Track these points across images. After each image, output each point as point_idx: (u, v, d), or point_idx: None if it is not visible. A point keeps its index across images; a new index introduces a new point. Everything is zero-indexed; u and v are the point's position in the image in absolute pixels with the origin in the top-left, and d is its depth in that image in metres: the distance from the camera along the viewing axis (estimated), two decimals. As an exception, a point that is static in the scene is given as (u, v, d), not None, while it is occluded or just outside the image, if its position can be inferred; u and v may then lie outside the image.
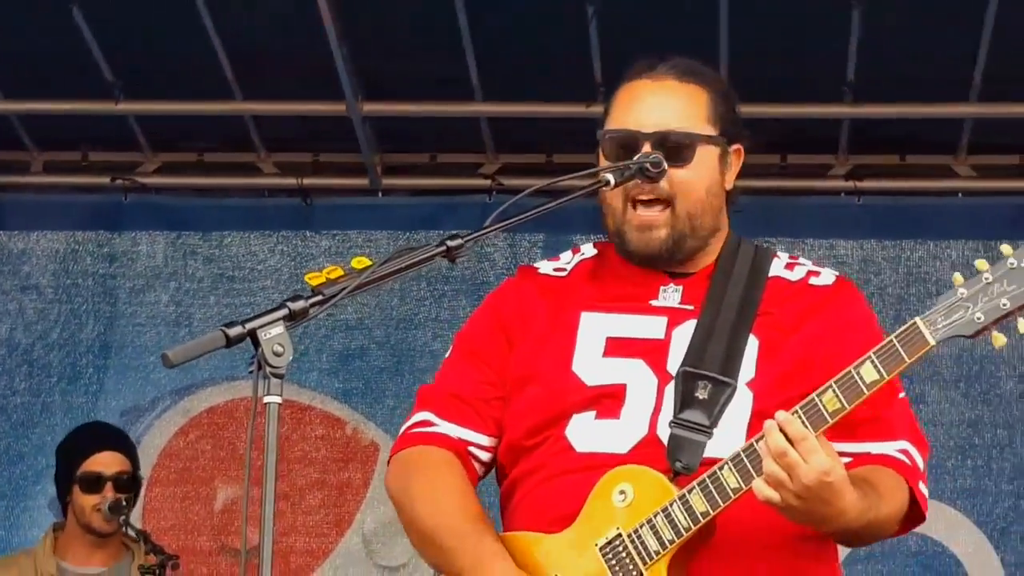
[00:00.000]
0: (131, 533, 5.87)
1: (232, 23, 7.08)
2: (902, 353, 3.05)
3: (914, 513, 3.29)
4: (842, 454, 3.12)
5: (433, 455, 3.42)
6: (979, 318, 3.07)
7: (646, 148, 3.37)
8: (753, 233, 7.19)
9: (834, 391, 3.07)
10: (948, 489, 7.23)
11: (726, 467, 3.12)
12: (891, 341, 3.08)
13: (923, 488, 3.28)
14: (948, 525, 7.26)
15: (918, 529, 7.18)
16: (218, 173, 7.95)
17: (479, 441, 3.44)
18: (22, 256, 7.83)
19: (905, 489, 3.24)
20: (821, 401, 3.06)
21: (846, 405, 3.06)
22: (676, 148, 3.40)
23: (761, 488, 3.01)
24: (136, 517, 6.62)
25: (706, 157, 3.45)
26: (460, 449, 3.43)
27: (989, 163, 7.75)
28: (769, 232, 7.41)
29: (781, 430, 2.98)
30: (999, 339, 3.09)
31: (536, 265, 3.61)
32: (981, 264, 3.09)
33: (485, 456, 3.45)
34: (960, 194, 7.75)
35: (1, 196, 7.93)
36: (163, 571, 5.31)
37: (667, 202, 3.37)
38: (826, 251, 7.57)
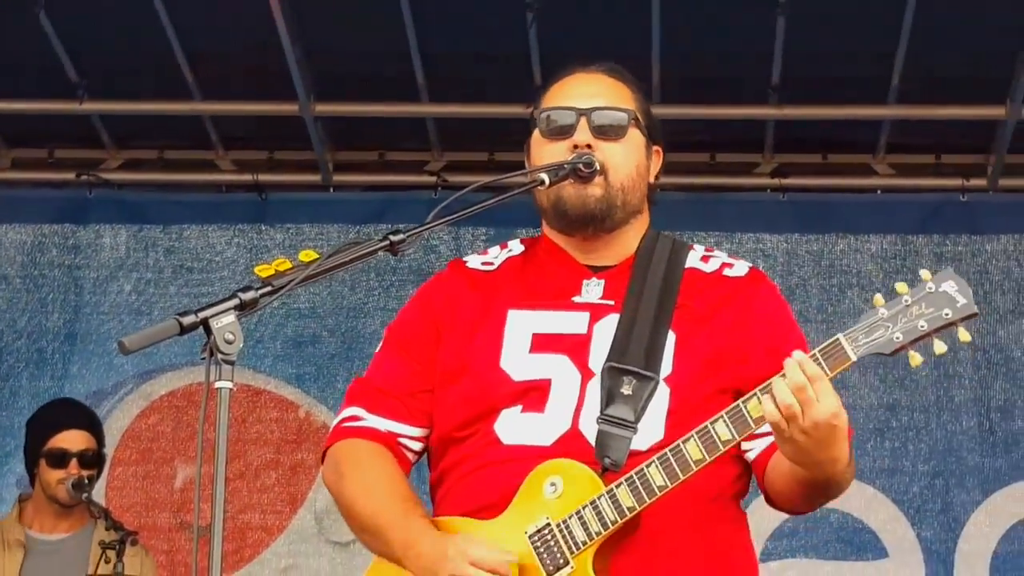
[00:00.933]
0: (93, 509, 5.80)
1: (191, 27, 7.03)
2: (824, 366, 3.05)
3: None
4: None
5: (363, 448, 3.41)
6: (898, 338, 3.11)
7: (583, 127, 3.37)
8: (684, 227, 7.33)
9: (820, 354, 3.09)
10: (867, 469, 7.23)
11: (653, 465, 3.13)
12: (815, 354, 3.08)
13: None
14: (867, 502, 7.28)
15: (839, 506, 7.27)
16: (178, 169, 7.91)
17: (408, 433, 3.44)
18: (-7, 248, 7.77)
19: (846, 439, 3.22)
20: (817, 359, 3.08)
21: (828, 369, 3.08)
22: (609, 125, 3.41)
23: (772, 412, 3.00)
24: (99, 495, 6.64)
25: (635, 138, 3.46)
26: (390, 442, 3.42)
27: (906, 162, 7.76)
28: (699, 226, 7.44)
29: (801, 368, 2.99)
30: (915, 359, 3.14)
31: (465, 259, 3.60)
32: (901, 287, 3.14)
33: (416, 446, 3.45)
34: (879, 191, 7.78)
35: (-30, 192, 7.83)
36: (122, 547, 5.25)
37: (602, 171, 3.35)
38: (753, 245, 7.58)
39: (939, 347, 3.10)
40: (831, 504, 7.53)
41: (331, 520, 7.33)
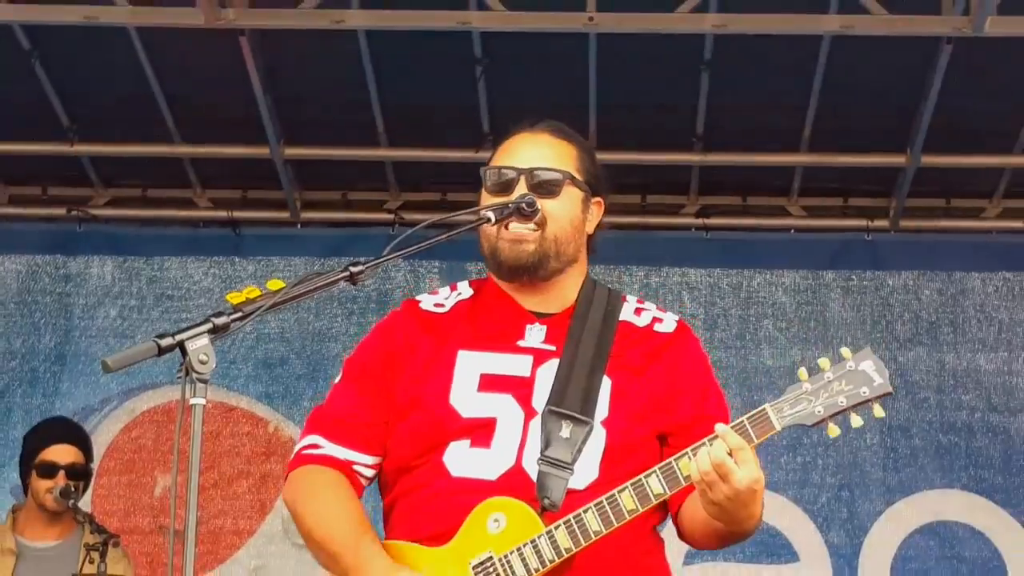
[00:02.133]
0: (79, 517, 5.77)
1: (172, 78, 7.04)
2: (751, 434, 3.07)
3: None
4: None
5: (320, 475, 3.38)
6: (819, 411, 3.11)
7: (522, 184, 3.36)
8: (618, 261, 7.36)
9: (747, 422, 3.11)
10: (781, 481, 7.25)
11: (590, 511, 3.13)
12: (743, 422, 3.09)
13: None
14: (780, 511, 7.27)
15: (777, 531, 7.27)
16: (159, 206, 7.86)
17: (363, 460, 3.40)
18: (-11, 276, 7.73)
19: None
20: (743, 427, 3.10)
21: (755, 438, 3.10)
22: (545, 183, 3.38)
23: (696, 477, 3.03)
24: (86, 502, 6.57)
25: (571, 195, 3.42)
26: (345, 468, 3.38)
27: (816, 204, 7.77)
28: (632, 262, 7.49)
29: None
30: (834, 430, 3.14)
31: (419, 299, 3.56)
32: (823, 363, 3.14)
33: (369, 472, 3.41)
34: (792, 230, 7.76)
35: (-39, 222, 7.81)
36: (105, 548, 5.22)
37: (538, 225, 3.33)
38: (679, 278, 7.60)
39: (856, 421, 3.13)
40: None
41: (289, 512, 7.39)
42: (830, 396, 3.12)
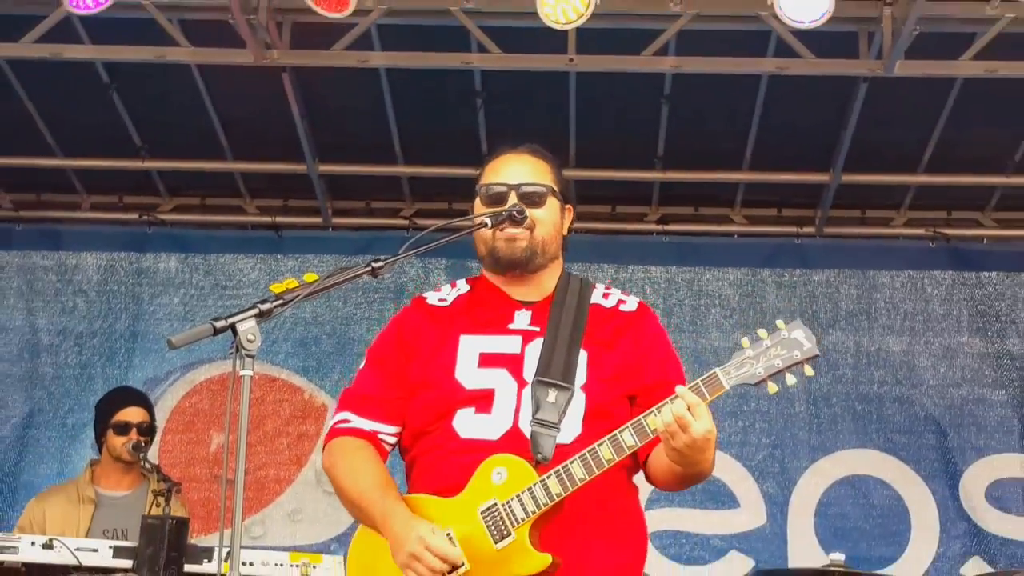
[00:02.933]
0: (147, 466, 5.75)
1: (226, 106, 7.04)
2: (705, 392, 3.12)
3: None
4: None
5: (351, 444, 3.40)
6: (760, 372, 3.16)
7: (512, 196, 3.40)
8: (591, 260, 7.36)
9: (702, 383, 3.15)
10: (724, 441, 7.23)
11: (575, 462, 3.16)
12: (698, 384, 3.14)
13: None
14: (724, 466, 7.26)
15: (721, 481, 7.25)
16: (215, 212, 7.86)
17: (386, 430, 3.42)
18: (75, 270, 7.72)
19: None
20: (698, 388, 3.15)
21: (708, 396, 3.15)
22: (532, 194, 3.42)
23: (662, 429, 3.09)
24: (154, 455, 6.57)
25: (552, 204, 3.46)
26: (371, 438, 3.40)
27: (755, 214, 7.74)
28: (603, 260, 7.50)
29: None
30: (773, 388, 3.19)
31: (425, 296, 3.58)
32: (762, 333, 3.18)
33: (391, 440, 3.43)
34: (736, 235, 7.74)
35: (61, 227, 7.78)
36: (169, 494, 5.18)
37: (528, 228, 3.38)
38: (642, 275, 7.58)
39: (790, 379, 3.18)
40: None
41: (327, 476, 7.37)
42: (768, 359, 3.16)
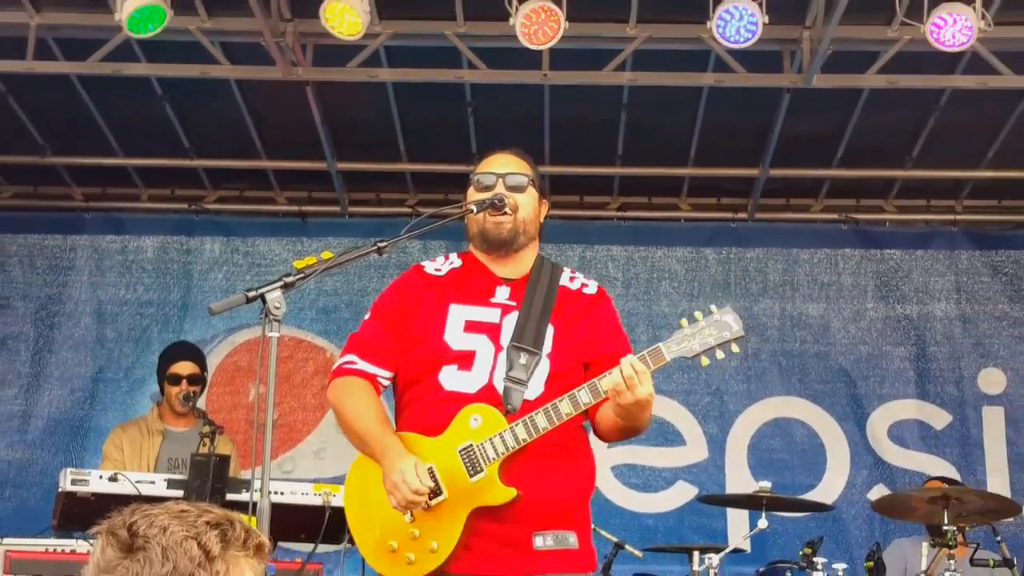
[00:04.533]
0: (196, 412, 5.76)
1: (259, 113, 7.01)
2: (649, 362, 3.19)
3: None
4: None
5: (355, 383, 3.42)
6: (695, 348, 3.22)
7: (500, 184, 3.44)
8: (563, 241, 7.43)
9: (648, 355, 3.21)
10: (674, 389, 7.31)
11: (540, 414, 3.21)
12: (644, 355, 3.18)
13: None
14: (673, 411, 7.31)
15: (657, 413, 7.25)
16: (252, 202, 7.83)
17: (383, 374, 3.44)
18: (135, 251, 7.69)
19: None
20: (644, 358, 3.19)
21: (652, 365, 3.21)
22: (517, 184, 3.46)
23: (612, 389, 3.15)
24: (203, 403, 6.59)
25: (532, 193, 3.50)
26: (371, 379, 3.42)
27: (699, 202, 7.75)
28: (573, 241, 7.55)
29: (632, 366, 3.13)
30: (705, 361, 3.24)
31: (423, 264, 3.58)
32: (699, 315, 3.23)
33: (386, 382, 3.45)
34: (682, 220, 7.74)
35: (123, 215, 7.75)
36: (214, 436, 5.19)
37: (512, 211, 3.41)
38: (605, 253, 7.61)
39: (719, 355, 3.23)
40: (654, 410, 7.62)
41: (333, 408, 7.45)
42: (703, 338, 3.21)
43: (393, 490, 3.18)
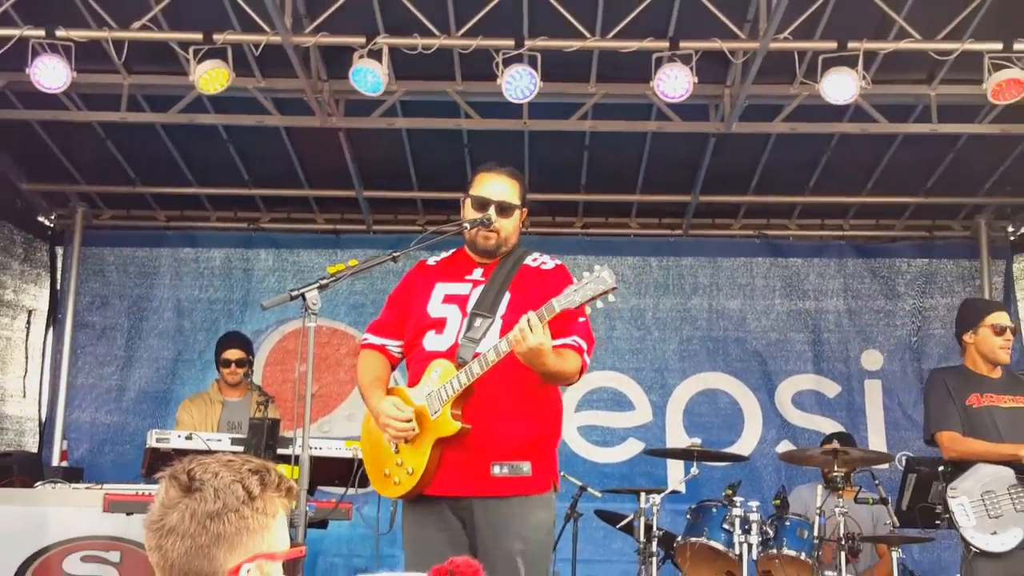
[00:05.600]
0: (252, 385, 5.74)
1: (303, 151, 6.97)
2: (543, 314, 3.04)
3: (582, 367, 3.27)
4: (555, 344, 3.14)
5: (368, 354, 3.45)
6: (578, 299, 3.03)
7: (492, 208, 3.37)
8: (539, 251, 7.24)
9: (543, 309, 3.05)
10: (627, 367, 7.32)
11: (475, 361, 3.15)
12: (541, 310, 3.04)
13: (586, 357, 3.26)
14: (626, 383, 7.32)
15: (613, 385, 7.25)
16: (297, 222, 7.76)
17: (391, 343, 3.44)
18: (206, 260, 7.64)
19: (577, 356, 3.23)
20: (540, 312, 3.04)
21: (546, 316, 3.05)
22: (506, 209, 3.40)
23: (511, 341, 3.04)
24: (258, 378, 6.65)
25: (515, 215, 3.44)
26: (382, 349, 3.43)
27: (645, 221, 7.72)
28: (544, 251, 7.36)
29: (529, 322, 3.03)
30: (587, 309, 3.10)
31: (427, 259, 3.59)
32: (585, 275, 3.07)
33: (396, 349, 3.43)
34: (632, 236, 7.72)
35: (196, 232, 7.70)
36: (266, 404, 5.18)
37: (497, 232, 3.38)
38: (571, 261, 7.16)
39: (599, 304, 3.04)
40: (608, 383, 7.61)
41: None
42: (584, 292, 3.02)
43: (385, 426, 3.20)
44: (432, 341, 3.28)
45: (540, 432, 3.28)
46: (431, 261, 3.56)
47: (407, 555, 3.28)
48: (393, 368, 3.47)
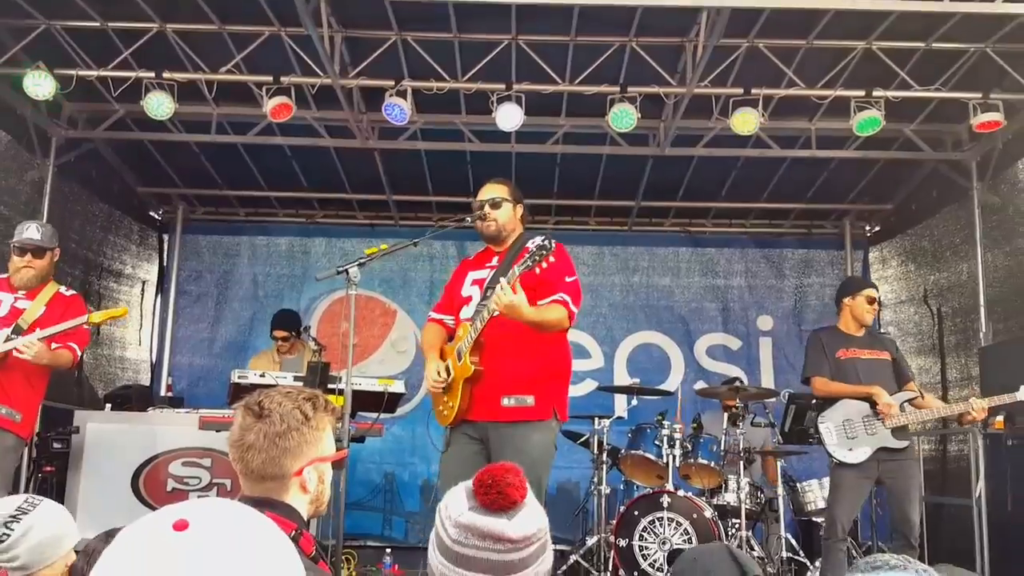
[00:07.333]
0: (309, 338, 5.68)
1: (348, 166, 6.85)
2: (513, 280, 2.91)
3: (569, 315, 3.20)
4: (545, 301, 3.10)
5: (429, 325, 3.44)
6: (530, 263, 2.89)
7: (485, 206, 3.34)
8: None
9: (508, 275, 2.96)
10: (588, 327, 7.29)
11: (477, 319, 3.08)
12: (510, 276, 2.90)
13: (572, 307, 3.17)
14: (584, 338, 7.32)
15: (576, 340, 7.31)
16: (343, 218, 7.67)
17: (446, 318, 3.40)
18: (275, 246, 7.54)
19: (561, 308, 3.14)
20: (508, 277, 2.96)
21: (511, 279, 2.93)
22: (494, 202, 3.35)
23: (495, 301, 2.94)
24: (315, 331, 6.59)
25: (507, 206, 3.37)
26: (439, 322, 3.40)
27: (602, 220, 7.66)
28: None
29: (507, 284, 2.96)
30: (540, 267, 2.89)
31: (468, 254, 3.57)
32: (529, 245, 2.91)
33: (451, 321, 3.39)
34: (591, 231, 7.67)
35: (267, 225, 7.61)
36: (320, 351, 5.17)
37: (494, 220, 3.32)
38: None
39: (544, 264, 2.87)
40: (575, 339, 7.56)
41: (399, 343, 7.29)
42: (533, 259, 2.88)
43: (429, 382, 3.23)
44: (464, 313, 3.31)
45: (542, 371, 3.20)
46: (471, 254, 3.54)
47: (443, 459, 3.26)
48: (449, 335, 3.43)
